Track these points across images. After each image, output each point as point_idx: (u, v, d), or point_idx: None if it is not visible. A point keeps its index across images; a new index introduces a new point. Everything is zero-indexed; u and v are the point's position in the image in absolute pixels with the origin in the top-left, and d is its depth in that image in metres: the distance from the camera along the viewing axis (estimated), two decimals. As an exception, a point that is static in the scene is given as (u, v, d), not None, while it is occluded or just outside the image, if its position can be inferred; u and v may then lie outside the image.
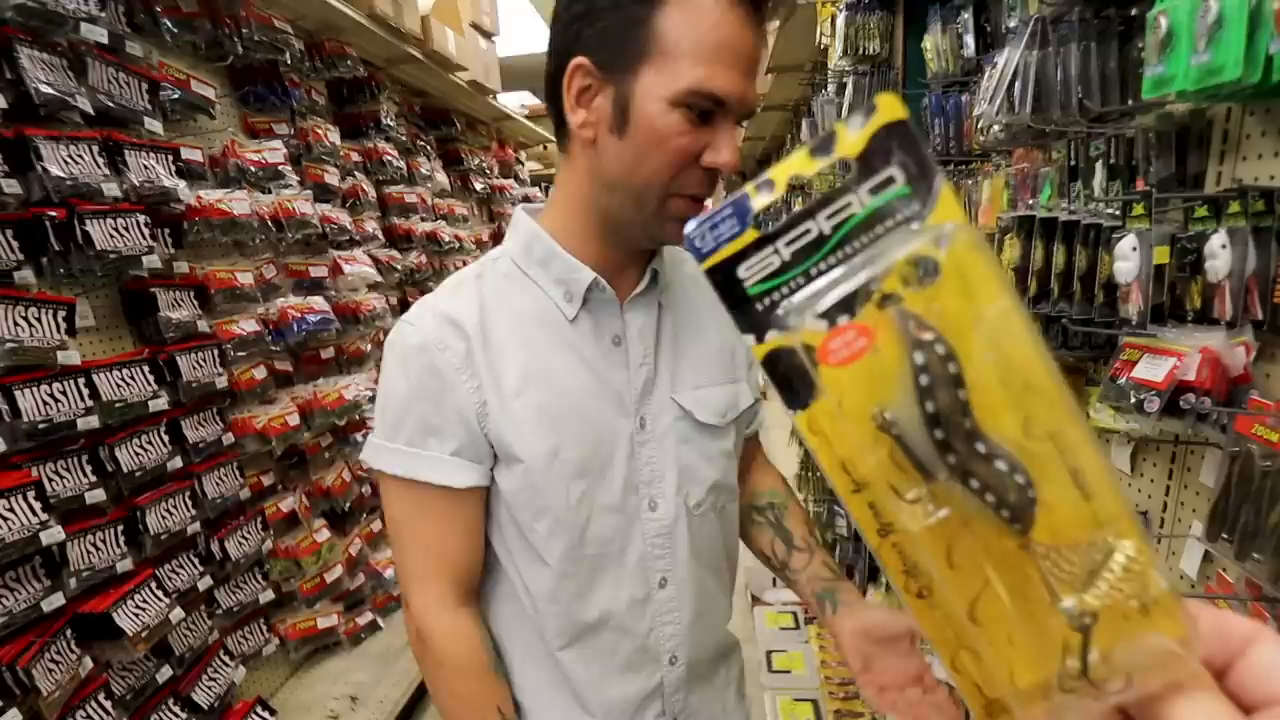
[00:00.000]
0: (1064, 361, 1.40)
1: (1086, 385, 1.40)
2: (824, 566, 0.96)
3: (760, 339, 0.24)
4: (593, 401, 0.81)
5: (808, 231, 0.24)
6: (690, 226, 0.25)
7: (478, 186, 4.27)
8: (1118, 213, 1.12)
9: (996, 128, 1.42)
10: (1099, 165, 1.21)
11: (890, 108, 0.23)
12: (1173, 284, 0.97)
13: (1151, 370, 0.95)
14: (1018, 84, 1.28)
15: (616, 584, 0.84)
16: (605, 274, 0.81)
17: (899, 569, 0.25)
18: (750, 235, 0.24)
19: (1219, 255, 0.87)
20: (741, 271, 0.24)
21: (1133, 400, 1.04)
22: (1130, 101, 1.15)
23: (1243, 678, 0.24)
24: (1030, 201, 1.30)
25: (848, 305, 0.23)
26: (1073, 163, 1.26)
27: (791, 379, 0.24)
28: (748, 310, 0.24)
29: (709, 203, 0.78)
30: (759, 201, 0.24)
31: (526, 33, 6.65)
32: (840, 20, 2.10)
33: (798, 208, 0.25)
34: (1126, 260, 1.01)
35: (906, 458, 0.24)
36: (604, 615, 0.84)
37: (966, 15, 1.64)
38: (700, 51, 0.67)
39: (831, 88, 2.39)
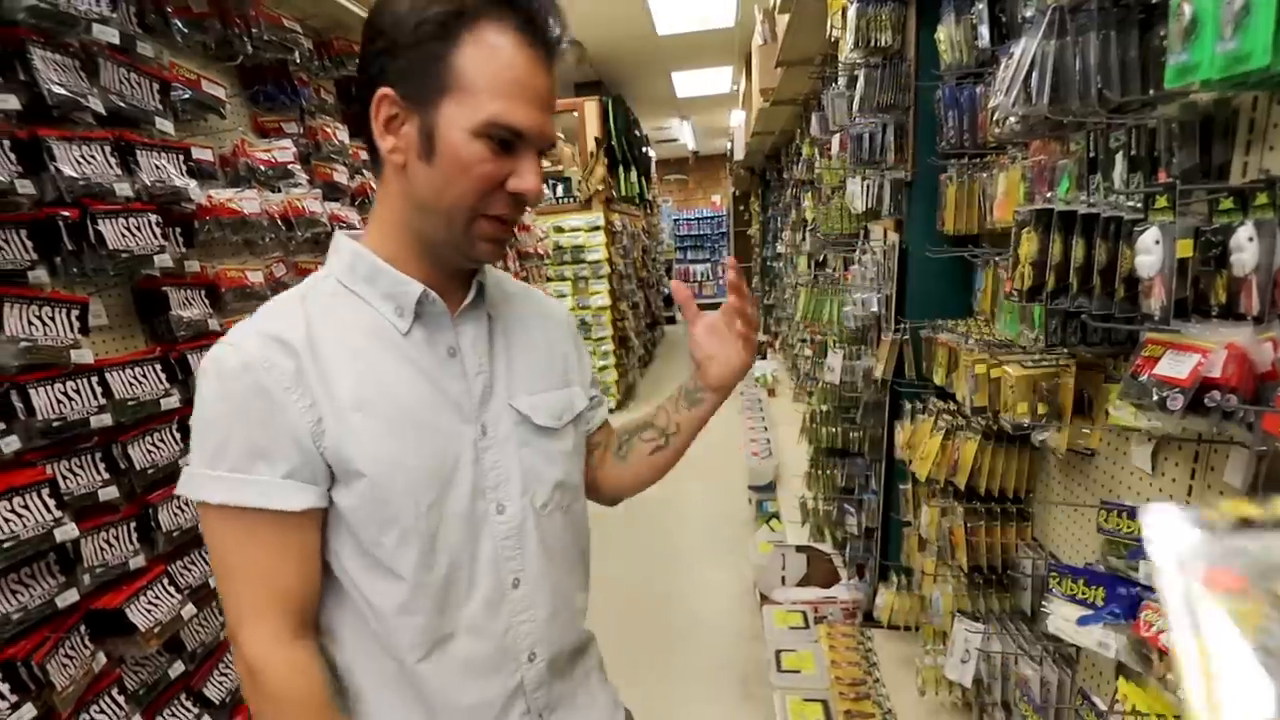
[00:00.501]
0: (1082, 358, 1.38)
1: (1105, 382, 1.38)
2: (669, 402, 1.06)
3: None
4: (432, 412, 0.82)
5: None
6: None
7: (487, 184, 4.27)
8: (1139, 205, 1.09)
9: (1013, 119, 1.40)
10: (1119, 157, 1.18)
11: None
12: (1196, 278, 0.95)
13: (1175, 367, 0.93)
14: (1035, 74, 1.25)
15: (470, 587, 0.85)
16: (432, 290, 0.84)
17: None
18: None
19: (1245, 248, 0.85)
20: None
21: (1155, 398, 1.02)
22: (1152, 91, 1.13)
23: None
24: (1049, 194, 1.28)
25: None
26: (1092, 154, 1.24)
27: None
28: None
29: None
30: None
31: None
32: (851, 12, 2.08)
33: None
34: (1149, 254, 0.99)
35: None
36: (459, 620, 0.85)
37: (981, 5, 1.62)
38: (497, 87, 0.74)
39: (842, 81, 2.37)
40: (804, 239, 4.63)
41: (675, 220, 15.42)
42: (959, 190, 1.70)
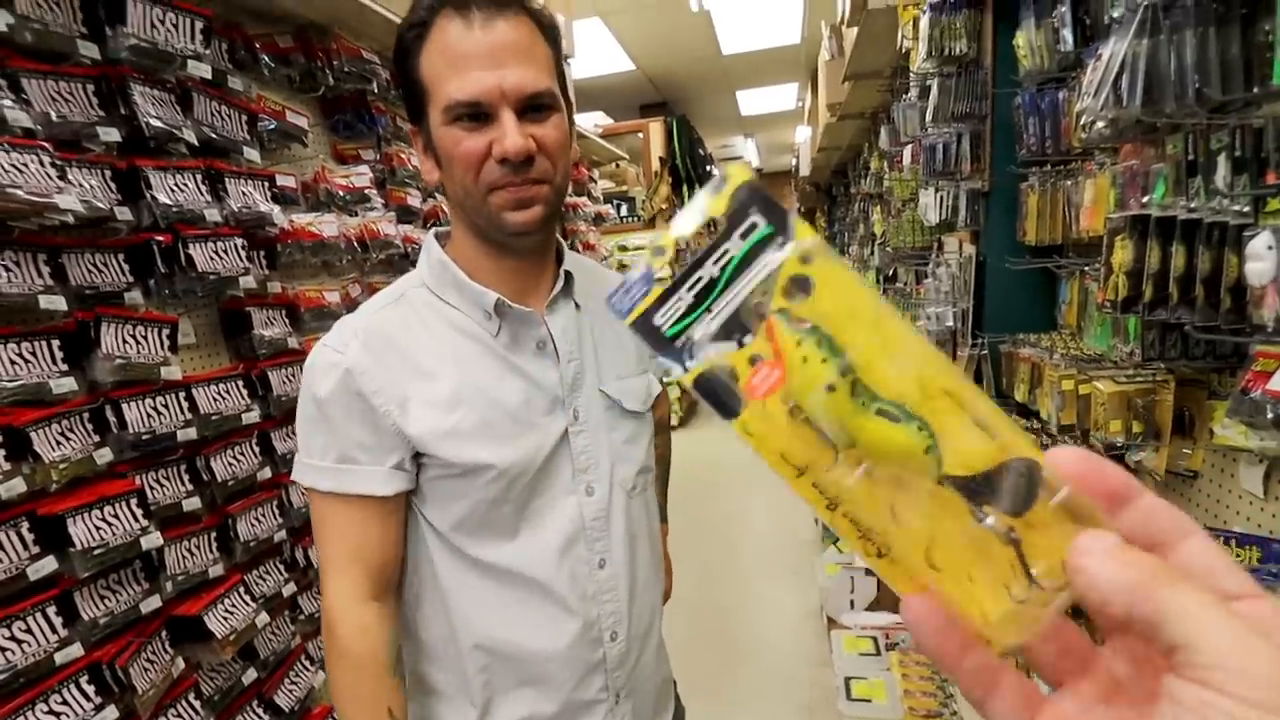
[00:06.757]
0: (1182, 373, 1.27)
1: (1209, 399, 1.27)
2: None
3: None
4: (528, 407, 0.88)
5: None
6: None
7: (553, 206, 4.34)
8: (1247, 209, 1.01)
9: (1101, 123, 1.32)
10: (1222, 158, 1.09)
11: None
12: (1318, 286, 0.86)
13: (1295, 383, 0.84)
14: (1125, 76, 1.18)
15: (561, 560, 0.90)
16: (513, 289, 0.89)
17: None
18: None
19: (1379, 252, 0.77)
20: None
21: (1270, 415, 0.93)
22: (1256, 89, 1.04)
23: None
24: (1145, 200, 1.20)
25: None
26: (1190, 157, 1.15)
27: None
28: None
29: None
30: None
31: (601, 55, 6.79)
32: (924, 21, 2.02)
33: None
34: (1261, 260, 0.91)
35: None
36: (547, 580, 0.90)
37: (1063, 8, 1.54)
38: (444, 73, 0.79)
39: (914, 92, 2.30)
40: (872, 254, 4.51)
41: (739, 239, 15.29)
42: (1041, 199, 1.61)
